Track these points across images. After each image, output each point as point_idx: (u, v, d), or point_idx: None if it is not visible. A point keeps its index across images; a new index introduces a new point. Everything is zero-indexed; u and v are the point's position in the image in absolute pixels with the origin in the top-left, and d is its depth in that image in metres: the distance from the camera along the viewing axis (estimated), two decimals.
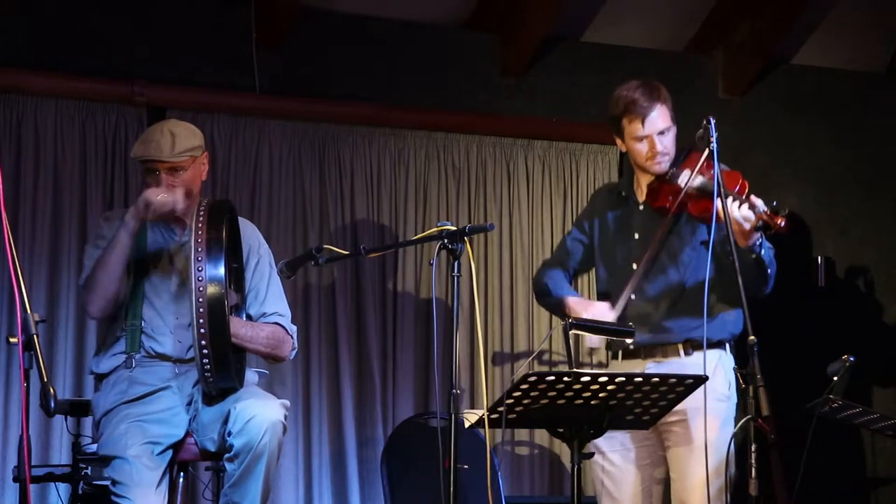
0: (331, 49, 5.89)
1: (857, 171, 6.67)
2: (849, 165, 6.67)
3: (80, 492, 4.50)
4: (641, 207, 4.28)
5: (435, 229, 4.01)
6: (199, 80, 5.65)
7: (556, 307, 4.35)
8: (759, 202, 3.94)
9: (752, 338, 3.62)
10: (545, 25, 6.03)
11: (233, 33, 5.72)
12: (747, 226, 3.93)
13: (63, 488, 4.78)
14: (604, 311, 4.15)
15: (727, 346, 4.21)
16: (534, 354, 5.94)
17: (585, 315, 4.13)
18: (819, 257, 6.48)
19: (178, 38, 5.67)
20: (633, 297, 4.21)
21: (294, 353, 4.37)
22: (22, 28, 5.44)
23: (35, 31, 5.46)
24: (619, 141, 4.29)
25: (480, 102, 6.14)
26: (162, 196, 4.04)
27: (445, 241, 3.94)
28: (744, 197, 3.96)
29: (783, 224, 3.93)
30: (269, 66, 5.74)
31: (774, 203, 3.95)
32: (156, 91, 5.52)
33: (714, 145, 3.86)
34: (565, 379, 3.53)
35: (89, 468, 4.47)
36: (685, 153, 4.21)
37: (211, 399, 4.05)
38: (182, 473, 4.12)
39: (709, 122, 3.89)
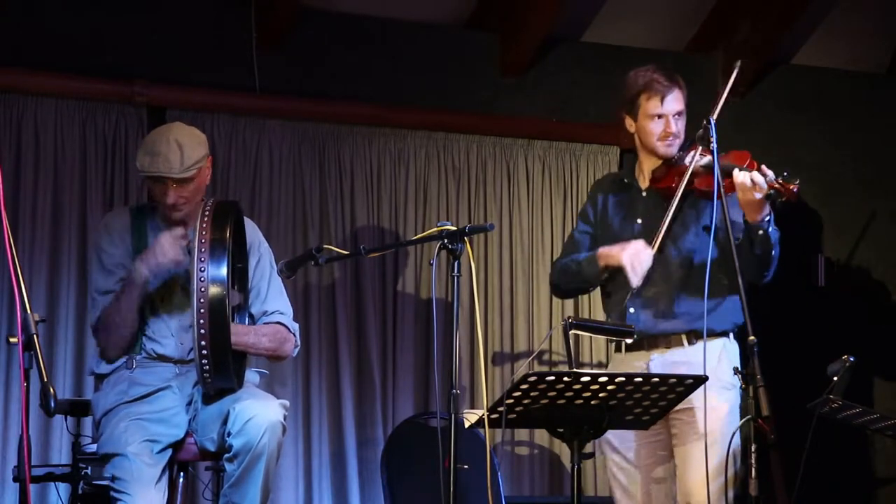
0: (331, 49, 5.89)
1: (857, 171, 6.67)
2: (849, 165, 6.66)
3: (80, 492, 4.50)
4: (644, 193, 4.30)
5: (435, 229, 4.01)
6: (199, 80, 5.65)
7: (587, 270, 4.27)
8: (769, 172, 3.97)
9: (752, 338, 3.62)
10: (545, 25, 6.03)
11: (233, 33, 5.72)
12: (759, 195, 3.94)
13: (63, 488, 4.78)
14: (643, 248, 4.12)
15: (731, 334, 4.22)
16: (534, 354, 5.94)
17: (625, 256, 4.09)
18: (819, 257, 6.48)
19: (178, 38, 5.67)
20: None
21: (297, 350, 4.38)
22: (22, 28, 5.44)
23: (35, 31, 5.46)
24: (629, 121, 4.29)
25: (480, 102, 6.13)
26: (171, 256, 4.04)
27: (445, 241, 3.94)
28: (755, 169, 3.98)
29: (795, 190, 3.95)
30: (269, 66, 5.74)
31: (786, 173, 3.97)
32: (156, 91, 5.52)
33: (714, 145, 3.87)
34: (565, 379, 3.53)
35: (89, 468, 4.46)
36: (688, 143, 4.23)
37: (210, 399, 4.05)
38: (182, 473, 4.12)
39: (709, 123, 3.90)
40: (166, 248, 4.04)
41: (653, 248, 4.14)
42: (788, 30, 6.33)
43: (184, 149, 4.09)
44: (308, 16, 5.81)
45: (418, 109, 6.01)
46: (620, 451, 4.24)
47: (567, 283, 4.44)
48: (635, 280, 4.11)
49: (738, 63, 4.23)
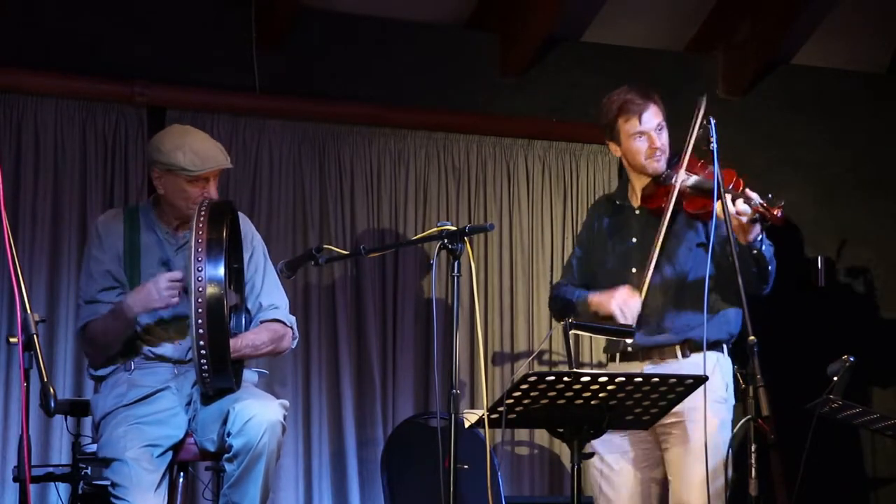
0: (331, 49, 5.89)
1: (857, 171, 6.67)
2: (849, 165, 6.66)
3: (80, 492, 4.50)
4: (637, 212, 4.30)
5: (435, 229, 4.02)
6: (199, 80, 5.65)
7: (581, 312, 4.31)
8: (754, 195, 3.99)
9: (752, 338, 3.62)
10: (545, 25, 6.03)
11: (233, 33, 5.72)
12: (744, 219, 3.96)
13: (63, 488, 4.78)
14: (630, 294, 4.14)
15: (725, 347, 4.22)
16: (534, 354, 5.94)
17: (613, 304, 4.13)
18: (819, 257, 6.48)
19: (178, 38, 5.67)
20: None
21: (296, 341, 4.38)
22: (22, 28, 5.44)
23: (35, 31, 5.46)
24: (613, 146, 4.31)
25: (480, 102, 6.14)
26: (162, 303, 4.05)
27: (445, 241, 3.95)
28: (739, 192, 3.99)
29: (780, 215, 3.97)
30: (269, 66, 5.74)
31: (770, 196, 3.99)
32: (156, 91, 5.52)
33: (714, 145, 3.87)
34: (565, 379, 3.53)
35: (89, 468, 4.46)
36: (676, 157, 4.24)
37: (209, 399, 4.05)
38: (182, 473, 4.12)
39: (709, 123, 3.91)
40: (161, 291, 4.02)
41: (649, 267, 4.15)
42: (788, 30, 6.33)
43: (214, 142, 4.20)
44: (308, 16, 5.81)
45: (418, 109, 6.01)
46: (604, 458, 4.23)
47: (564, 316, 4.49)
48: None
49: (704, 97, 4.18)
